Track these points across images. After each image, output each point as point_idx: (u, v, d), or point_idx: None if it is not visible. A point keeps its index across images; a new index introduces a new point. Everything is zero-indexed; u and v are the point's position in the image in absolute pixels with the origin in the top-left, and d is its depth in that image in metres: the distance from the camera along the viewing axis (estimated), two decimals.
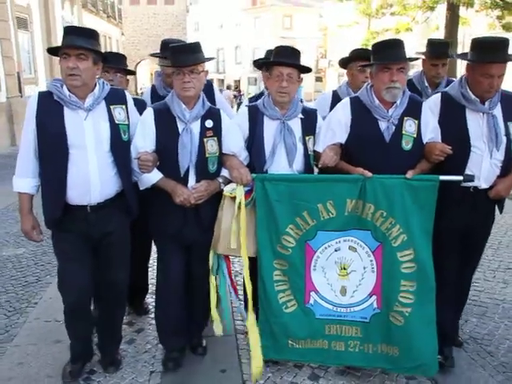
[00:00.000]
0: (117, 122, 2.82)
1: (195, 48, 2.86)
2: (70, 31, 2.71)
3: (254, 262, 2.98)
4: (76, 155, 2.71)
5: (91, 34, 2.76)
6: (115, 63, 3.50)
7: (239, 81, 43.26)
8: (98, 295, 3.06)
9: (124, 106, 2.88)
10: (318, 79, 37.05)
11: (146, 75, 44.21)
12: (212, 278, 3.00)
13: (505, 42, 2.83)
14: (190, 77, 2.79)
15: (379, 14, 14.25)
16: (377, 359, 2.99)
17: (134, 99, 3.16)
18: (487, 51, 2.79)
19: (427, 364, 2.90)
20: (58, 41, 17.92)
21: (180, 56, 2.79)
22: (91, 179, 2.74)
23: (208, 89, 3.65)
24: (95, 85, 2.78)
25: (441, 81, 3.76)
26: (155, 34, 48.45)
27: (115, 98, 2.86)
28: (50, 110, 2.70)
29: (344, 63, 3.89)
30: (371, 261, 2.96)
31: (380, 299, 2.97)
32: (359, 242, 2.96)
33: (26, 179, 2.80)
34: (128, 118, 2.88)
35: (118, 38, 33.26)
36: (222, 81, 43.54)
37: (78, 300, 2.89)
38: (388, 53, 2.84)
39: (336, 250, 2.97)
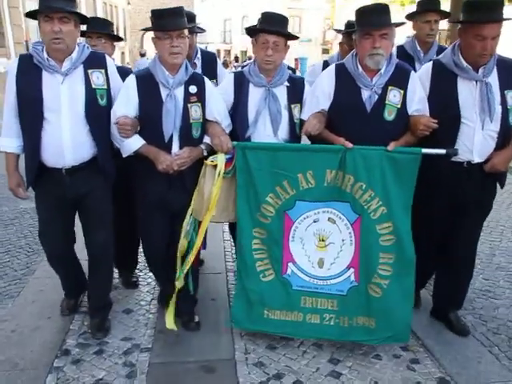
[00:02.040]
0: (94, 86, 2.81)
1: (180, 12, 2.80)
2: None
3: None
4: (51, 118, 2.74)
5: None
6: (99, 28, 3.45)
7: (246, 51, 42.88)
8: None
9: (103, 71, 2.86)
10: (325, 51, 36.62)
11: (152, 46, 43.91)
12: (184, 242, 2.99)
13: (497, 1, 2.70)
14: (178, 41, 2.75)
15: None
16: (352, 332, 2.98)
17: (119, 67, 3.15)
18: (478, 11, 2.67)
19: (400, 333, 2.94)
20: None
21: (168, 20, 2.74)
22: (64, 142, 2.77)
23: (211, 62, 3.72)
24: (74, 48, 2.78)
25: (432, 42, 3.72)
26: (162, 3, 47.65)
27: (94, 62, 2.85)
28: (28, 73, 2.73)
29: (339, 32, 3.90)
30: (350, 233, 2.95)
31: (358, 272, 2.96)
32: (338, 214, 2.94)
33: (10, 139, 2.87)
34: (108, 82, 2.88)
35: (124, 6, 32.92)
36: (228, 51, 43.05)
37: (53, 254, 3.12)
38: (370, 19, 2.74)
39: (315, 221, 2.97)
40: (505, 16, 2.71)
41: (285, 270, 3.02)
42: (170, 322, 3.05)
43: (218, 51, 45.83)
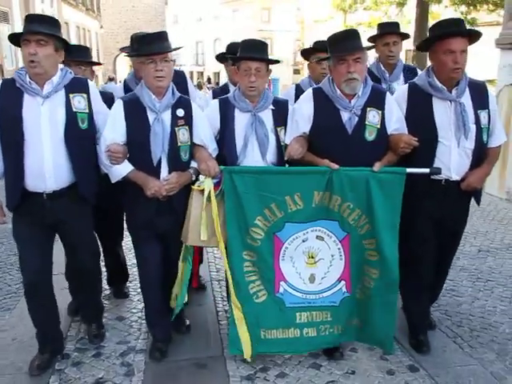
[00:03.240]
0: (75, 109, 2.81)
1: (164, 36, 2.86)
2: (30, 19, 2.74)
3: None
4: (31, 142, 2.73)
5: (51, 22, 2.79)
6: (77, 55, 3.46)
7: (219, 73, 43.40)
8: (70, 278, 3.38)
9: (85, 95, 2.87)
10: (296, 71, 37.35)
11: (125, 68, 44.16)
12: (180, 264, 3.07)
13: (460, 20, 2.97)
14: (162, 65, 2.79)
15: (353, 9, 14.86)
16: (344, 334, 3.13)
17: (102, 93, 3.19)
18: (444, 28, 2.85)
19: (384, 343, 3.10)
20: None
21: (152, 44, 2.79)
22: (45, 167, 2.76)
23: (181, 79, 3.69)
24: (56, 72, 2.80)
25: (396, 62, 3.83)
26: (134, 26, 47.94)
27: (76, 86, 2.86)
28: (10, 97, 2.73)
29: (304, 55, 3.96)
30: (339, 249, 3.03)
31: (349, 284, 3.07)
32: (326, 232, 3.01)
33: None
34: (90, 106, 2.88)
35: (97, 30, 33.12)
36: (201, 73, 43.51)
37: (32, 281, 2.92)
38: (342, 44, 2.82)
39: (304, 241, 3.01)
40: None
41: (277, 289, 3.05)
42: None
43: (191, 73, 46.28)
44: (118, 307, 3.87)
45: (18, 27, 16.84)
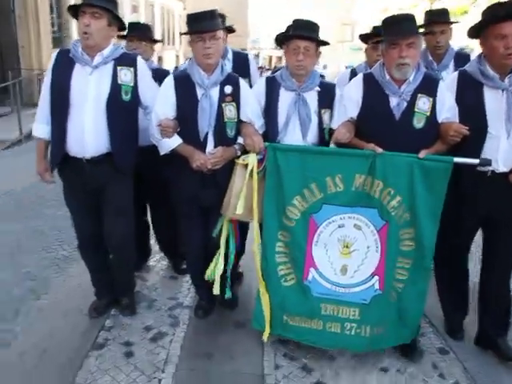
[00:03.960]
0: (120, 82, 2.95)
1: (214, 15, 2.93)
2: None
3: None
4: (76, 108, 2.91)
5: None
6: (138, 32, 3.73)
7: (281, 58, 43.36)
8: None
9: (132, 69, 3.00)
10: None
11: None
12: (222, 240, 3.10)
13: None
14: (211, 43, 2.87)
15: None
16: (372, 342, 2.97)
17: (156, 69, 3.37)
18: (497, 11, 2.68)
19: (408, 335, 2.99)
20: (124, 15, 18.99)
21: (201, 23, 2.87)
22: (85, 133, 2.91)
23: (243, 62, 3.76)
24: (107, 46, 2.96)
25: (443, 52, 3.68)
26: (213, 7, 48.95)
27: (125, 60, 3.01)
28: (63, 65, 2.94)
29: (363, 40, 3.90)
30: (375, 240, 2.93)
31: (383, 280, 2.93)
32: (365, 220, 2.92)
33: (41, 125, 3.07)
34: (135, 80, 3.01)
35: (181, 12, 34.08)
36: (280, 58, 43.46)
37: (83, 244, 3.33)
38: (397, 28, 2.75)
39: (340, 227, 2.95)
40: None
41: (306, 276, 2.99)
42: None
43: (270, 57, 46.51)
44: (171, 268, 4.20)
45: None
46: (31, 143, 9.27)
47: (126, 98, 2.98)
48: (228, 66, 3.62)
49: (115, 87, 2.94)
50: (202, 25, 2.87)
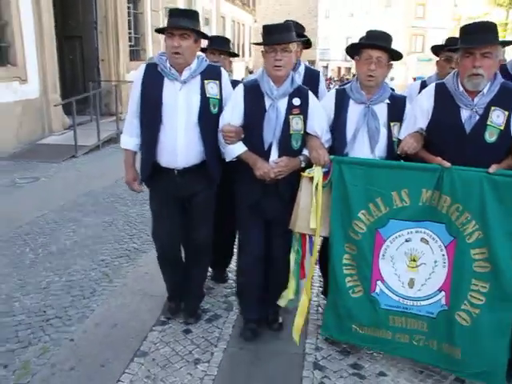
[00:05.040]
0: (208, 95, 3.03)
1: (288, 27, 2.94)
2: (174, 14, 3.00)
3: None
4: (168, 123, 2.99)
5: (193, 15, 3.03)
6: (219, 46, 3.84)
7: None
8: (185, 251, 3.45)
9: (218, 82, 3.07)
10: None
11: None
12: (292, 255, 3.09)
13: None
14: (282, 55, 2.87)
15: None
16: (440, 358, 2.87)
17: (233, 81, 3.39)
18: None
19: (491, 373, 2.73)
20: None
21: (274, 35, 2.88)
22: (178, 146, 3.01)
23: (313, 79, 3.74)
24: (193, 60, 3.03)
25: None
26: (286, 19, 49.70)
27: (211, 73, 3.07)
28: (152, 79, 3.02)
29: (436, 51, 3.81)
30: (443, 255, 2.84)
31: (448, 296, 2.83)
32: (432, 235, 2.84)
33: (130, 138, 3.18)
34: (221, 92, 3.08)
35: (251, 24, 34.97)
36: (349, 69, 43.38)
37: (164, 250, 3.33)
38: (473, 37, 2.63)
39: (407, 241, 2.88)
40: None
41: (373, 289, 2.96)
42: (296, 334, 3.08)
43: (339, 68, 46.47)
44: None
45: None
46: (108, 149, 10.18)
47: (214, 110, 3.06)
48: (298, 80, 3.59)
49: (204, 101, 3.02)
50: (274, 37, 2.89)
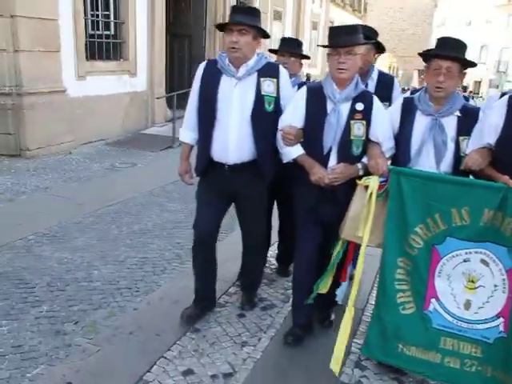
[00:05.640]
0: (263, 93, 3.03)
1: (353, 30, 2.89)
2: (236, 10, 3.06)
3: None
4: (222, 118, 3.05)
5: (253, 12, 3.07)
6: (289, 47, 3.87)
7: (480, 82, 40.80)
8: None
9: (275, 80, 3.06)
10: None
11: (384, 69, 44.85)
12: (333, 260, 3.04)
13: None
14: (346, 57, 2.82)
15: None
16: None
17: (302, 83, 3.47)
18: None
19: None
20: (304, 32, 20.31)
21: (338, 37, 2.86)
22: (229, 141, 3.05)
23: (387, 84, 3.69)
24: (252, 57, 3.06)
25: None
26: (399, 27, 48.51)
27: (268, 71, 3.08)
28: (211, 75, 3.09)
29: None
30: (503, 280, 2.70)
31: (507, 323, 2.69)
32: (493, 257, 2.69)
33: (188, 132, 3.27)
34: (278, 91, 3.07)
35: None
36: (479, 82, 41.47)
37: (200, 239, 3.30)
38: None
39: (465, 261, 2.74)
40: None
41: (427, 306, 2.82)
42: (336, 366, 2.83)
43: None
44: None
45: (288, 26, 19.16)
46: None
47: (269, 108, 3.06)
48: (371, 86, 3.63)
49: (259, 98, 3.04)
50: (338, 39, 2.86)
